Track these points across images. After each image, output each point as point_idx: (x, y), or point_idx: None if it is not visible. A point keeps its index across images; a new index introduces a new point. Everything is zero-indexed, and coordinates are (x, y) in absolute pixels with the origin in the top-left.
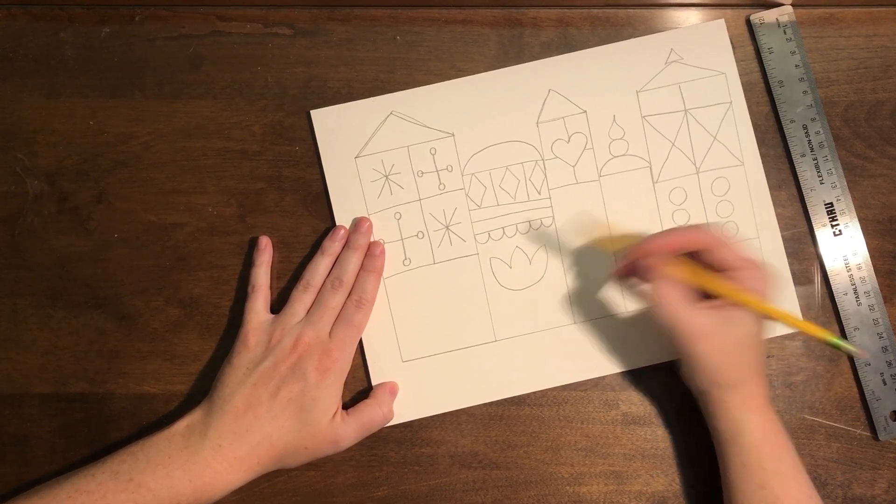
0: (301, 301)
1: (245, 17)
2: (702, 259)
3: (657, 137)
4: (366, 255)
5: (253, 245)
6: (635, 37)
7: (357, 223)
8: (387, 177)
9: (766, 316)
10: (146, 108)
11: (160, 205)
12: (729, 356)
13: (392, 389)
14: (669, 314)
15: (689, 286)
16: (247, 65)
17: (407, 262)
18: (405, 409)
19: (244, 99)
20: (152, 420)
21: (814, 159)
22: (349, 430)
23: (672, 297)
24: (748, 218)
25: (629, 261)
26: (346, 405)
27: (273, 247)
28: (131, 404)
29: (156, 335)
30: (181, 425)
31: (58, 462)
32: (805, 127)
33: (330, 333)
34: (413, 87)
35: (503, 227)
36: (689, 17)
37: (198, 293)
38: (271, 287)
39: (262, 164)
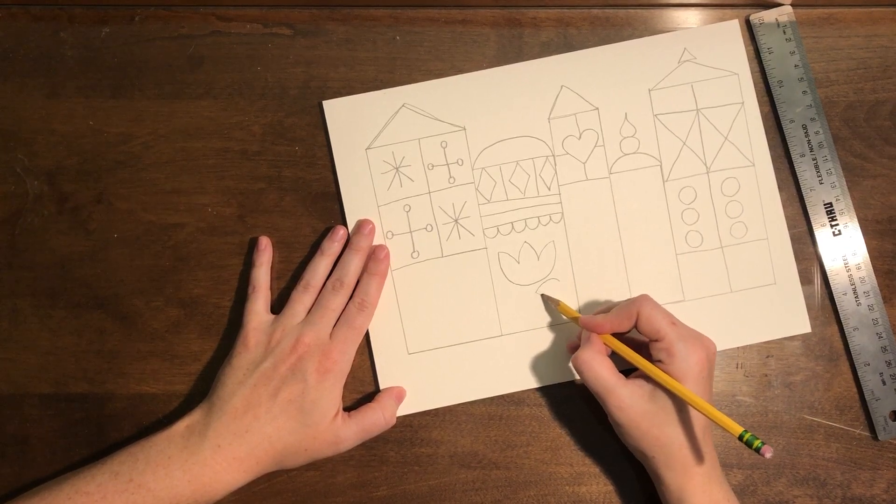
0: (301, 302)
1: (245, 17)
2: (639, 327)
3: (668, 136)
4: (370, 258)
5: (253, 245)
6: (635, 37)
7: (360, 225)
8: (397, 169)
9: (681, 396)
10: (146, 108)
11: (160, 205)
12: (646, 429)
13: (398, 395)
14: (594, 382)
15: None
16: (247, 65)
17: (415, 254)
18: (409, 401)
19: (244, 99)
20: (152, 420)
21: (813, 159)
22: (349, 432)
23: (598, 365)
24: (757, 219)
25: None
26: (351, 407)
27: (273, 247)
28: (131, 404)
29: (156, 335)
30: (181, 426)
31: (58, 462)
32: (804, 127)
33: (331, 335)
34: None
35: (512, 223)
36: (690, 18)
37: (198, 293)
38: (271, 287)
39: (262, 164)
